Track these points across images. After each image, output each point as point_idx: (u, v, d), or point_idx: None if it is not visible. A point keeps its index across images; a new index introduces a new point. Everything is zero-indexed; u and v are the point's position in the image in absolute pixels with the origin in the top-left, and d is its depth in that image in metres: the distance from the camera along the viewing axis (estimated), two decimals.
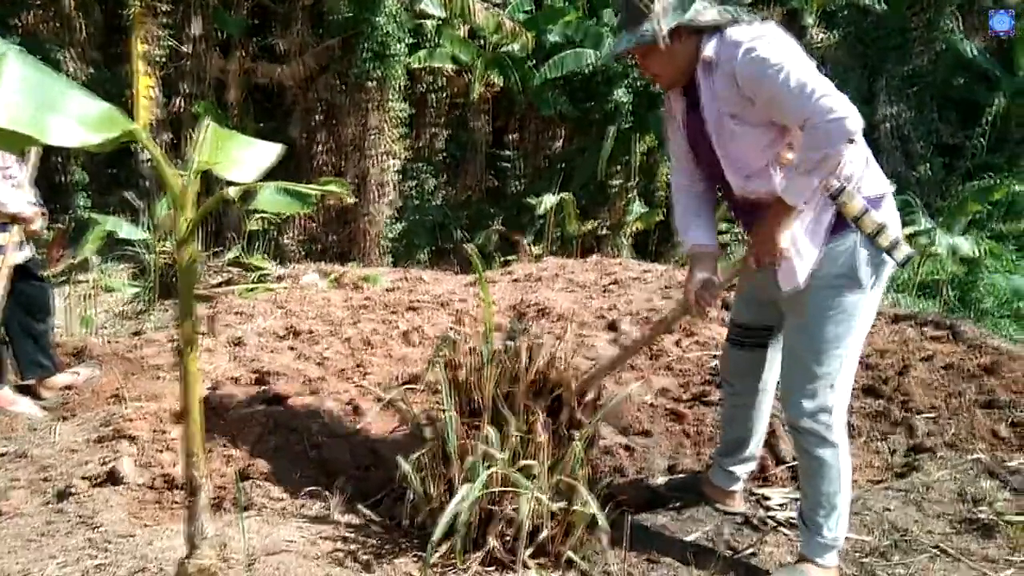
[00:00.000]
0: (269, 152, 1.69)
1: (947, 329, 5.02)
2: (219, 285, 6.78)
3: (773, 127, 2.17)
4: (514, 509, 2.24)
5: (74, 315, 5.86)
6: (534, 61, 11.89)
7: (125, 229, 6.44)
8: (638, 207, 12.31)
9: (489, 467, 2.19)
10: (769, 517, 2.81)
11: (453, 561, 2.20)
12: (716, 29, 2.19)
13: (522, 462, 2.28)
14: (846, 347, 2.28)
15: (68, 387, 3.54)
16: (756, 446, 2.83)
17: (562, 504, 2.33)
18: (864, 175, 2.22)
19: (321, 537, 2.28)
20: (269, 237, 10.70)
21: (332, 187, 1.64)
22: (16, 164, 3.19)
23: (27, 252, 3.33)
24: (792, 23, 15.09)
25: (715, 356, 4.59)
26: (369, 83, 10.42)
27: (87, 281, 7.05)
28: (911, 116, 14.18)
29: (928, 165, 14.09)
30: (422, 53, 11.16)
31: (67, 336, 4.94)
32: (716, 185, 2.46)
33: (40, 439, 3.01)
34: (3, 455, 2.87)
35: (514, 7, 11.27)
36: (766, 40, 2.11)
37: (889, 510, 2.94)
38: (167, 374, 3.61)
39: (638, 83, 12.04)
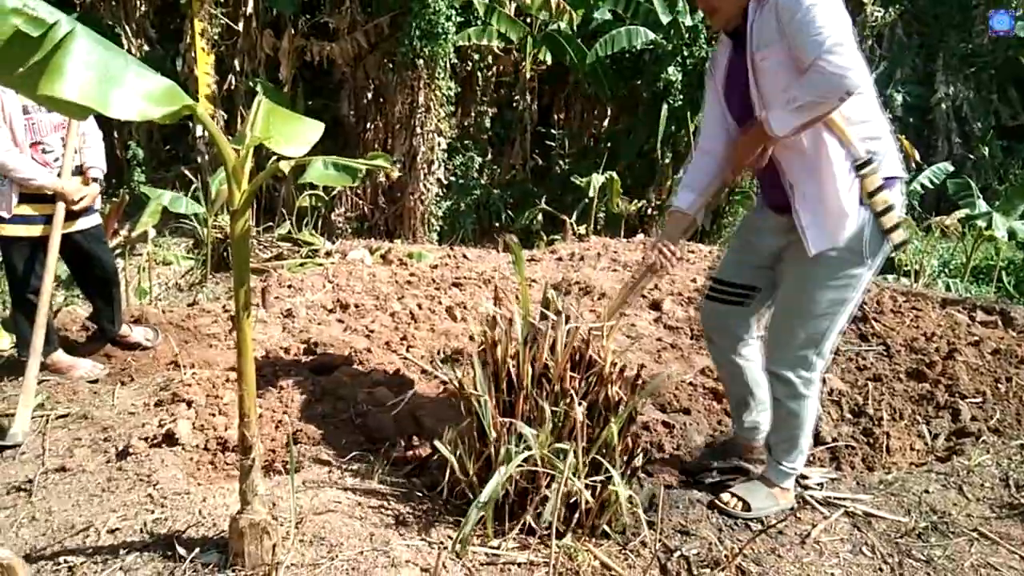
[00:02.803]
0: (316, 128, 1.76)
1: (998, 314, 4.94)
2: (270, 259, 6.94)
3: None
4: (548, 487, 2.29)
5: (131, 287, 6.07)
6: (580, 39, 11.79)
7: (181, 203, 6.62)
8: None
9: (522, 452, 2.24)
10: (807, 495, 2.83)
11: (489, 531, 2.27)
12: None
13: (556, 445, 2.31)
14: (838, 314, 2.44)
15: (136, 346, 3.74)
16: (763, 398, 2.85)
17: (598, 479, 2.38)
18: (887, 155, 2.31)
19: (365, 500, 2.37)
20: (319, 214, 10.89)
21: (379, 161, 1.71)
22: (55, 139, 3.31)
23: (89, 221, 3.49)
24: (848, 0, 14.73)
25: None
26: (418, 61, 10.46)
27: (143, 254, 7.28)
28: (970, 96, 13.75)
29: (987, 147, 13.66)
30: (471, 31, 11.15)
31: (126, 306, 5.13)
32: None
33: (101, 402, 3.16)
34: (66, 416, 3.02)
35: None
36: None
37: (928, 492, 2.94)
38: (220, 343, 3.75)
39: (688, 62, 11.88)
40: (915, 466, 3.25)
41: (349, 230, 11.23)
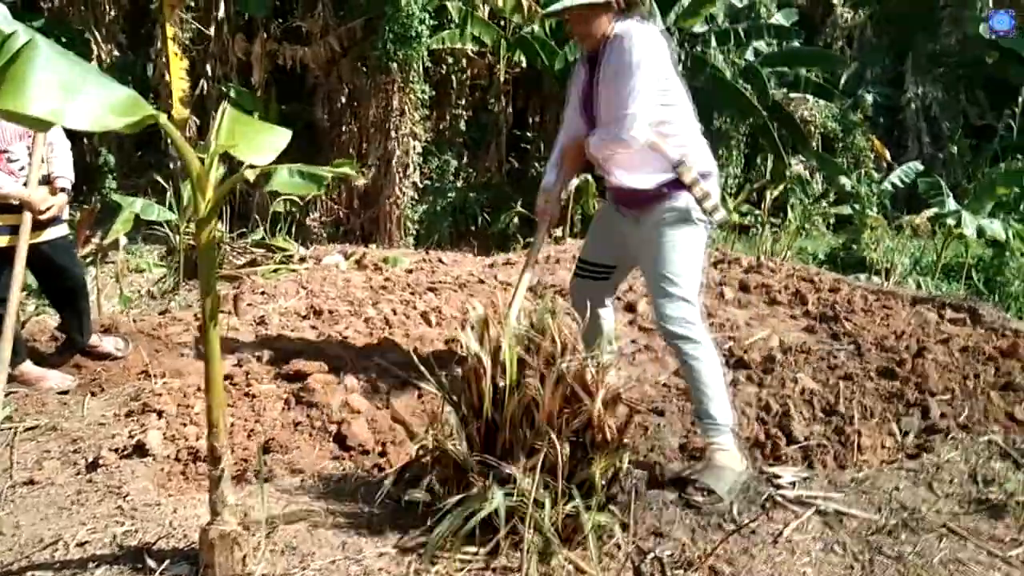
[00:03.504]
0: (283, 136, 1.76)
1: (966, 312, 5.02)
2: (244, 266, 6.89)
3: None
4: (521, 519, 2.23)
5: (103, 295, 6.01)
6: (554, 41, 11.82)
7: (153, 210, 6.56)
8: None
9: (497, 498, 2.18)
10: (779, 495, 2.85)
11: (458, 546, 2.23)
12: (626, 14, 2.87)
13: (537, 476, 2.23)
14: (690, 271, 2.99)
15: (106, 355, 3.70)
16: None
17: (575, 504, 2.31)
18: (696, 156, 2.96)
19: (338, 508, 2.36)
20: (294, 219, 10.82)
21: (345, 169, 1.70)
22: (21, 148, 3.28)
23: (56, 231, 3.46)
24: (818, 2, 14.90)
25: (731, 337, 4.63)
26: (392, 65, 10.43)
27: (115, 262, 7.20)
28: (939, 96, 13.95)
29: (956, 146, 13.86)
30: (445, 35, 11.14)
31: (96, 315, 5.08)
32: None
33: (70, 413, 3.12)
34: (35, 428, 2.98)
35: None
36: (643, 41, 2.76)
37: (898, 489, 2.97)
38: (192, 351, 3.71)
39: None
40: (886, 463, 3.30)
41: (324, 235, 11.17)
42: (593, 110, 3.00)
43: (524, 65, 12.13)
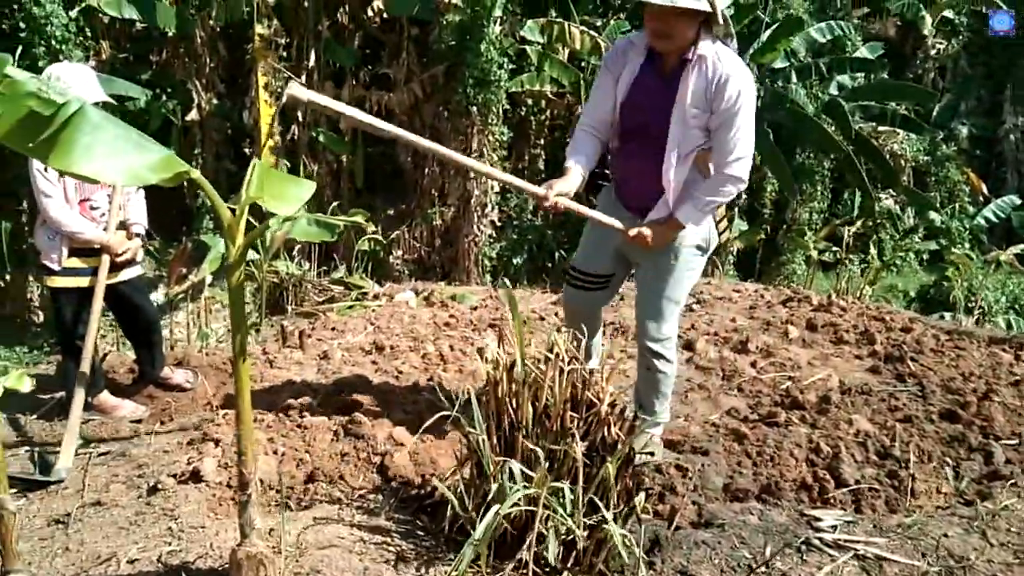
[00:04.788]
0: (308, 188, 1.92)
1: None
2: (322, 303, 7.20)
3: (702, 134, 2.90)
4: (545, 526, 2.35)
5: (192, 329, 6.39)
6: None
7: None
8: (739, 224, 12.10)
9: (518, 490, 2.32)
10: (817, 538, 2.81)
11: (486, 570, 2.34)
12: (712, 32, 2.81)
13: (553, 484, 2.38)
14: (685, 293, 3.21)
15: (177, 387, 4.00)
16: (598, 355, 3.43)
17: (595, 518, 2.42)
18: None
19: (369, 536, 2.48)
20: (377, 257, 11.21)
21: (357, 218, 1.85)
22: (101, 196, 3.58)
23: (132, 272, 3.77)
24: (908, 32, 14.52)
25: (790, 377, 4.56)
26: (471, 108, 10.77)
27: (211, 297, 7.65)
28: None
29: None
30: (524, 77, 11.43)
31: (186, 347, 5.44)
32: (621, 144, 3.09)
33: (139, 440, 3.37)
34: (108, 453, 3.24)
35: (612, 28, 11.37)
36: (749, 81, 2.80)
37: (948, 536, 2.88)
38: (256, 385, 3.94)
39: None
40: (940, 509, 3.19)
41: (406, 272, 11.52)
42: (653, 124, 2.89)
43: None
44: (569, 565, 2.43)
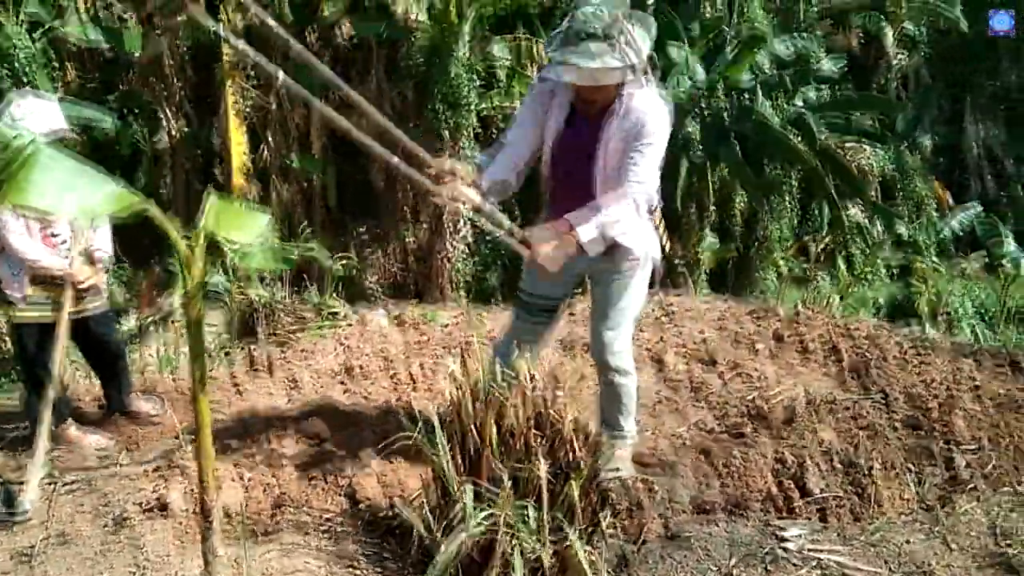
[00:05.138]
0: (262, 219, 1.95)
1: (1007, 363, 4.89)
2: (294, 330, 7.17)
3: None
4: (511, 547, 2.37)
5: (163, 355, 6.34)
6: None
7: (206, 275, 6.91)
8: (711, 240, 12.23)
9: (482, 511, 2.35)
10: (782, 548, 2.85)
11: None
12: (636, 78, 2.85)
13: (517, 503, 2.40)
14: (638, 306, 3.31)
15: (144, 416, 3.97)
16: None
17: (560, 535, 2.44)
18: (658, 201, 3.22)
19: (335, 562, 2.49)
20: (351, 277, 11.18)
21: (312, 252, 1.87)
22: (63, 224, 3.54)
23: (96, 302, 3.76)
24: (870, 43, 14.79)
25: (757, 388, 4.61)
26: (444, 132, 10.84)
27: (181, 323, 7.59)
28: (1001, 135, 13.62)
29: (1021, 187, 13.47)
30: (493, 94, 11.53)
31: (155, 374, 5.40)
32: (553, 180, 3.17)
33: (105, 470, 3.35)
34: (73, 483, 3.22)
35: None
36: (663, 118, 2.92)
37: (910, 543, 2.94)
38: (225, 411, 3.93)
39: (707, 115, 12.06)
40: (902, 516, 3.24)
41: (380, 292, 11.50)
42: (584, 160, 2.99)
43: None
44: None
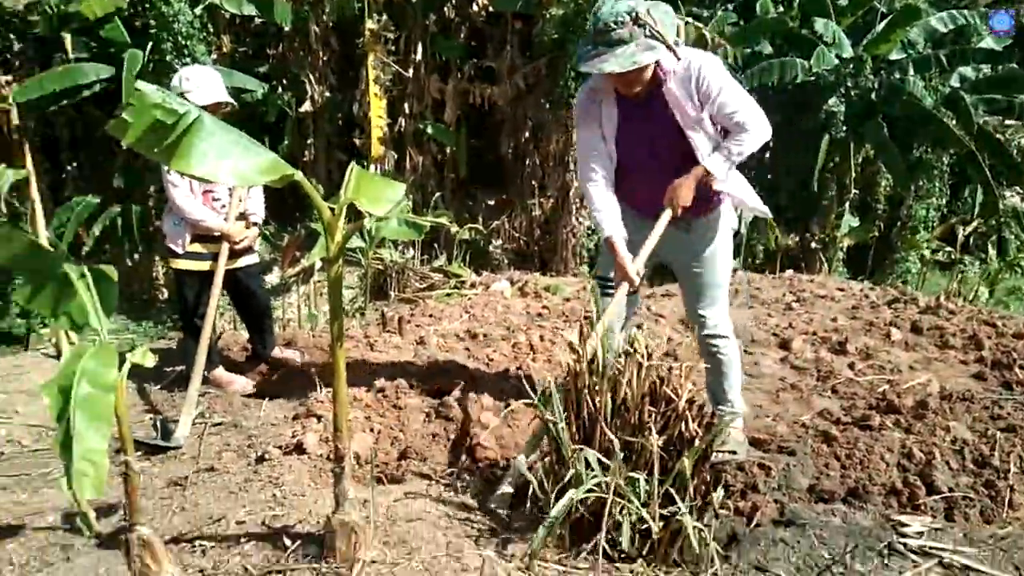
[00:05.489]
0: (399, 189, 2.07)
1: None
2: (423, 290, 7.46)
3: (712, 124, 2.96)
4: (620, 513, 2.44)
5: (303, 311, 6.76)
6: (741, 72, 11.71)
7: None
8: (850, 221, 11.68)
9: (594, 477, 2.42)
10: (902, 543, 2.77)
11: (562, 553, 2.45)
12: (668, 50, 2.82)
13: (628, 474, 2.46)
14: (729, 274, 3.33)
15: (286, 365, 4.29)
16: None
17: (671, 509, 2.48)
18: None
19: (453, 512, 2.63)
20: (478, 245, 11.44)
21: (442, 220, 1.98)
22: (223, 188, 3.88)
23: (248, 259, 4.06)
24: None
25: (889, 380, 4.44)
26: (572, 100, 10.82)
27: (320, 281, 8.03)
28: None
29: None
30: None
31: (296, 327, 5.78)
32: (626, 172, 3.11)
33: (250, 413, 3.65)
34: (220, 424, 3.53)
35: (719, 19, 11.17)
36: (711, 59, 2.90)
37: None
38: (357, 365, 4.16)
39: (853, 92, 11.48)
40: None
41: (505, 261, 11.71)
42: (636, 149, 3.01)
43: None
44: (644, 554, 2.51)
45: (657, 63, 2.84)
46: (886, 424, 3.77)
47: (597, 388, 2.58)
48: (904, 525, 2.89)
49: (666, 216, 3.00)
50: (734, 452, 3.24)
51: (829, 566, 2.61)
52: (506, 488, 2.80)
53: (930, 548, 2.73)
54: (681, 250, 3.23)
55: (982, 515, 3.10)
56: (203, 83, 3.66)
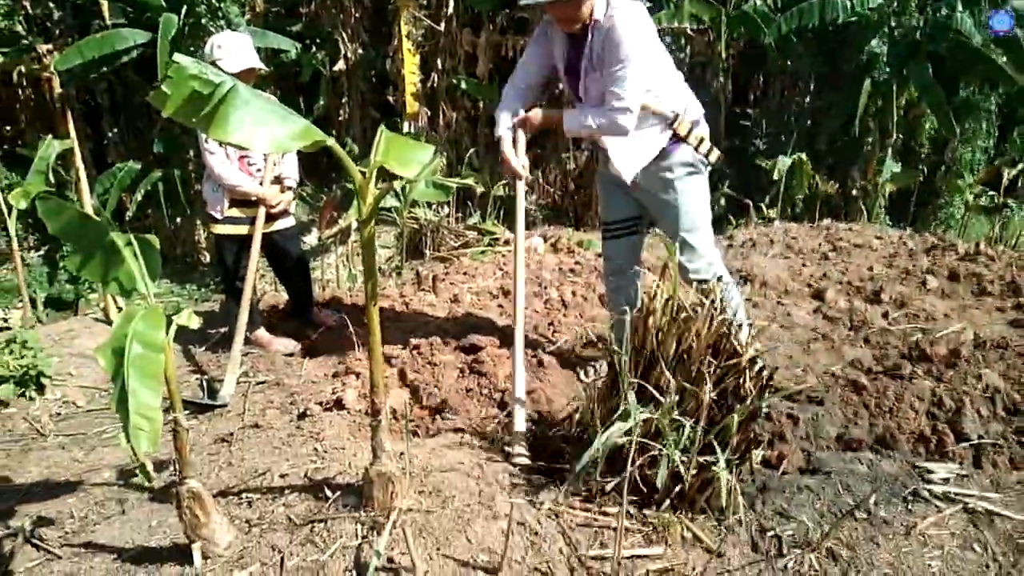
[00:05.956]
0: (428, 151, 2.13)
1: None
2: (458, 248, 7.54)
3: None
4: (659, 453, 2.49)
5: (342, 271, 6.89)
6: (780, 15, 11.41)
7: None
8: (892, 166, 11.42)
9: (642, 413, 2.47)
10: (927, 489, 2.81)
11: (597, 490, 2.53)
12: None
13: (676, 417, 2.50)
14: (704, 218, 3.35)
15: (325, 325, 4.42)
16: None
17: (708, 458, 2.52)
18: (686, 106, 3.23)
19: (486, 463, 2.73)
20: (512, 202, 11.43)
21: (468, 181, 2.04)
22: (258, 154, 3.99)
23: (285, 222, 4.17)
24: None
25: (924, 329, 4.43)
26: None
27: (358, 241, 8.13)
28: None
29: None
30: (662, 15, 11.19)
31: (335, 288, 5.91)
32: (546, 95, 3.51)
33: (291, 372, 3.80)
34: (264, 383, 3.68)
35: None
36: (635, 28, 2.94)
37: None
38: (394, 324, 4.28)
39: (896, 32, 11.13)
40: None
41: (541, 217, 11.72)
42: (576, 81, 3.18)
43: (744, 41, 11.86)
44: (672, 497, 2.58)
45: (593, 11, 3.00)
46: (917, 373, 3.77)
47: (664, 330, 2.61)
48: (930, 472, 2.92)
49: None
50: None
51: (852, 511, 2.67)
52: (519, 426, 2.92)
53: (955, 494, 2.76)
54: (649, 201, 3.36)
55: (1011, 462, 3.12)
56: (235, 50, 3.74)
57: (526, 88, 3.37)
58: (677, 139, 3.23)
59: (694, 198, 3.31)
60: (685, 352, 2.58)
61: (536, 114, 3.27)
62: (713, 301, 2.60)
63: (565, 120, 3.15)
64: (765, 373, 2.66)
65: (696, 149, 3.25)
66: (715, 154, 3.34)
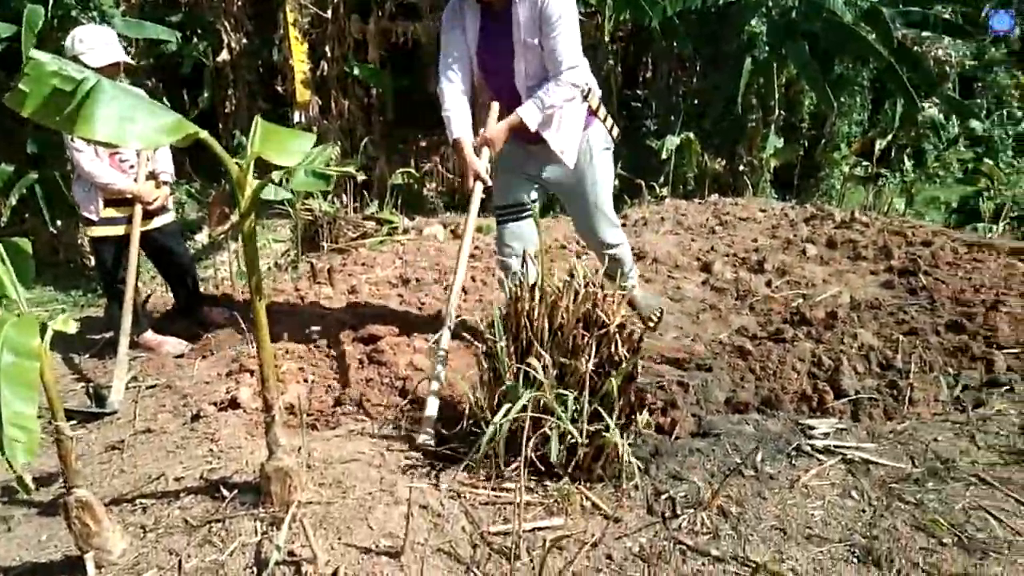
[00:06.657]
0: (308, 140, 2.11)
1: None
2: (356, 239, 7.44)
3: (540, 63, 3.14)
4: (550, 428, 2.57)
5: (234, 268, 6.69)
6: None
7: (269, 191, 7.15)
8: (775, 142, 11.92)
9: (528, 391, 2.53)
10: (809, 444, 2.98)
11: (497, 471, 2.58)
12: None
13: (559, 391, 2.59)
14: (610, 191, 3.55)
15: (215, 324, 4.30)
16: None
17: (597, 426, 2.62)
18: (592, 82, 3.33)
19: (387, 452, 2.74)
20: (412, 190, 11.36)
21: (348, 168, 2.03)
22: (129, 150, 3.83)
23: (164, 219, 4.04)
24: None
25: (804, 295, 4.68)
26: None
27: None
28: None
29: None
30: None
31: (229, 285, 5.74)
32: (477, 85, 3.40)
33: (183, 373, 3.68)
34: (154, 386, 3.56)
35: None
36: None
37: (937, 441, 3.02)
38: (289, 319, 4.21)
39: (773, 12, 11.58)
40: (935, 416, 3.32)
41: (440, 204, 11.68)
42: (508, 63, 3.17)
43: (631, 24, 12.09)
44: (570, 470, 2.65)
45: None
46: (798, 336, 3.99)
47: (534, 311, 2.68)
48: (812, 428, 3.10)
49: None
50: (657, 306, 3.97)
51: (739, 469, 2.80)
52: (430, 413, 2.92)
53: (834, 447, 2.94)
54: (560, 179, 3.45)
55: (885, 413, 3.34)
56: (97, 44, 3.58)
57: (462, 77, 3.29)
58: (591, 113, 3.35)
59: (603, 175, 3.46)
60: (558, 329, 2.68)
61: (497, 133, 3.22)
62: (575, 278, 2.70)
63: (524, 117, 3.12)
64: (635, 336, 2.78)
65: (604, 123, 3.40)
66: (616, 130, 3.50)
